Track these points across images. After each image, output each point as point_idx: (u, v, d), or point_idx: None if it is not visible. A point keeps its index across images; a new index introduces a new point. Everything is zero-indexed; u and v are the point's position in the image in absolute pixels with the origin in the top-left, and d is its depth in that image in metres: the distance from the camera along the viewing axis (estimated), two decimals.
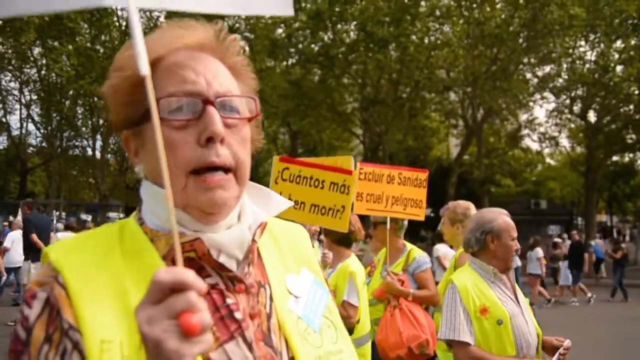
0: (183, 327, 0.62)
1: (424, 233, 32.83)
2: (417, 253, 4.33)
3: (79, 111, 29.03)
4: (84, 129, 29.61)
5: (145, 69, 0.74)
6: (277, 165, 3.39)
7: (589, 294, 14.31)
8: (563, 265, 15.05)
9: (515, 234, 2.75)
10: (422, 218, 4.22)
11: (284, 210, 0.95)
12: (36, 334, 0.77)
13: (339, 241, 3.96)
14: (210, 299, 0.82)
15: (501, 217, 2.77)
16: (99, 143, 30.00)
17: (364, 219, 4.39)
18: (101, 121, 29.50)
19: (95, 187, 31.20)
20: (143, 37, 0.76)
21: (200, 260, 0.84)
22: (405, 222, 4.45)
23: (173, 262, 0.74)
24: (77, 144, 30.16)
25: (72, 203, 30.84)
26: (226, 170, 0.83)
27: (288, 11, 0.97)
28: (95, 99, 27.17)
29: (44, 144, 30.39)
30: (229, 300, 0.84)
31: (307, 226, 3.87)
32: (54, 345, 0.76)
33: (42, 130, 29.45)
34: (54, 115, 27.96)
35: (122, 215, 29.29)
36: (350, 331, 3.63)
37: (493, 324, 2.54)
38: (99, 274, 0.79)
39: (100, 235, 0.87)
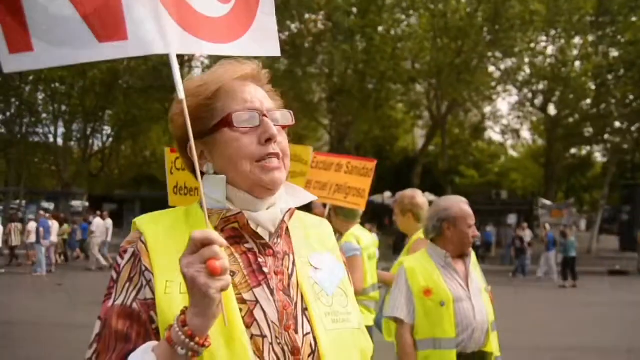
0: (210, 268, 0.90)
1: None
2: (346, 239, 4.36)
3: (40, 97, 28.20)
4: (45, 115, 28.82)
5: (182, 95, 1.13)
6: (170, 156, 3.05)
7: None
8: None
9: (472, 221, 2.82)
10: (362, 207, 4.28)
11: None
12: (123, 275, 1.10)
13: None
14: (246, 257, 1.14)
15: (458, 204, 2.85)
16: (61, 130, 29.31)
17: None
18: (63, 107, 28.81)
19: (58, 175, 30.51)
20: (180, 74, 1.16)
21: (241, 230, 1.15)
22: (359, 210, 4.50)
23: (222, 231, 1.12)
24: (38, 130, 29.34)
25: (33, 191, 29.90)
26: (278, 157, 1.16)
27: (276, 52, 1.41)
28: (57, 84, 26.52)
29: (2, 130, 29.46)
30: (260, 260, 1.14)
31: None
32: (133, 283, 1.08)
33: (0, 116, 28.55)
34: (13, 100, 27.13)
35: (85, 204, 28.66)
36: None
37: (436, 304, 2.69)
38: (169, 237, 1.12)
39: (172, 212, 1.21)
